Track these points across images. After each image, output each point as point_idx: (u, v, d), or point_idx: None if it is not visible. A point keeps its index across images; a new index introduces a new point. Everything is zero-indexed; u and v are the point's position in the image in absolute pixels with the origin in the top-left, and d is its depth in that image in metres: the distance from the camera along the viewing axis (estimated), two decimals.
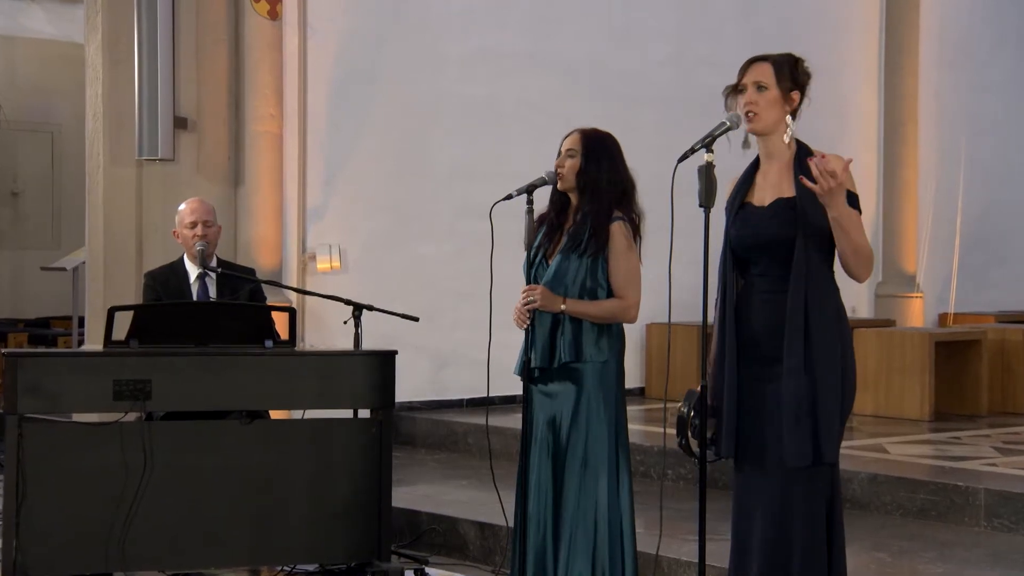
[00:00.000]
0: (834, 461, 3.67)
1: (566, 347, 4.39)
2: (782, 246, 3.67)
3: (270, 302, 6.35)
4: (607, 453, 4.40)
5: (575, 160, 4.45)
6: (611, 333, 4.45)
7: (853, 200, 3.67)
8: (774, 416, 3.69)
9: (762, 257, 3.73)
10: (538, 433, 4.45)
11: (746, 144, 3.84)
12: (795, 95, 3.76)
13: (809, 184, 3.53)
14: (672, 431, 3.84)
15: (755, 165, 3.86)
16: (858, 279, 3.72)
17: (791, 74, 3.75)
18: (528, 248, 4.45)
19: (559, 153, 4.51)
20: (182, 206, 5.98)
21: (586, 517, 4.36)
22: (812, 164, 3.51)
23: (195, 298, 5.84)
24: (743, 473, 3.80)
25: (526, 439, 4.46)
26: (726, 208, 3.86)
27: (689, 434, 3.77)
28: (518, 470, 4.50)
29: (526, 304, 4.38)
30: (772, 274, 3.72)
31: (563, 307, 4.36)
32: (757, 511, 3.74)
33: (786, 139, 3.77)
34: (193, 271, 5.89)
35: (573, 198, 4.51)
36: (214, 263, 5.90)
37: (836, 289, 3.73)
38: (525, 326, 4.42)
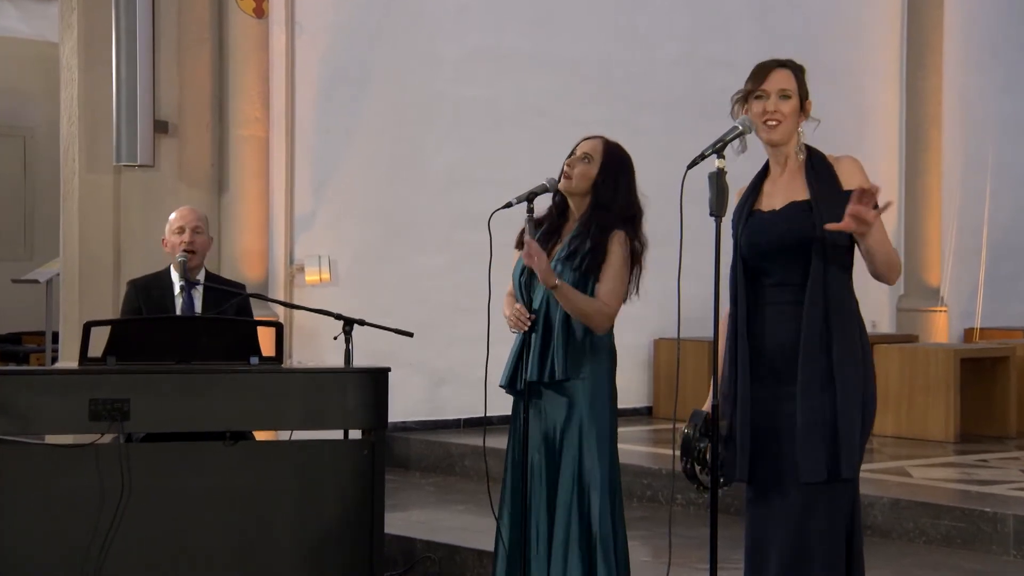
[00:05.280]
0: (852, 476, 3.68)
1: (559, 364, 4.41)
2: (798, 250, 3.69)
3: (256, 316, 6.36)
4: (600, 472, 4.40)
5: (589, 167, 4.48)
6: (601, 348, 4.46)
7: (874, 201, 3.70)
8: (792, 435, 3.69)
9: (777, 264, 3.74)
10: (531, 453, 4.48)
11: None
12: (808, 104, 3.84)
13: (837, 226, 3.56)
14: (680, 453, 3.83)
15: (763, 173, 3.90)
16: (888, 283, 3.78)
17: (804, 82, 3.85)
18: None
19: (571, 153, 4.53)
20: (173, 214, 6.03)
21: (581, 539, 4.37)
22: (849, 213, 3.51)
23: (179, 311, 5.85)
24: (757, 501, 3.80)
25: (515, 457, 4.49)
26: (733, 219, 3.88)
27: (695, 458, 3.76)
28: (503, 488, 4.54)
29: (527, 258, 4.30)
30: (789, 283, 3.73)
31: (557, 283, 4.32)
32: (774, 543, 3.74)
33: (796, 151, 3.82)
34: (178, 283, 5.91)
35: (574, 204, 4.53)
36: (201, 275, 5.92)
37: (856, 300, 3.76)
38: (525, 328, 4.43)
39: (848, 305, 3.73)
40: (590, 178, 4.47)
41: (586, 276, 4.41)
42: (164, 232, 6.04)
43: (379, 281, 8.66)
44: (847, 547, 3.73)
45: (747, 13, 10.36)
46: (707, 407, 3.79)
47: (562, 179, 4.50)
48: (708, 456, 3.73)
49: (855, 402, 3.66)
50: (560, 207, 4.58)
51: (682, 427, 3.81)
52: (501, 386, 4.55)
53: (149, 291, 5.92)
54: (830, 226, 3.59)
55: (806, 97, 3.82)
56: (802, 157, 3.82)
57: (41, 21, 11.67)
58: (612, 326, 4.47)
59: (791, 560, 3.70)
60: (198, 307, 5.89)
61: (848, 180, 3.71)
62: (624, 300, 4.52)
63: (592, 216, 4.46)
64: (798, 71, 3.84)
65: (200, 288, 5.89)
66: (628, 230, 4.45)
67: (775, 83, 3.80)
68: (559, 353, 4.41)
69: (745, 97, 3.82)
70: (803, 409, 3.66)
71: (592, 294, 4.41)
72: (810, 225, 3.68)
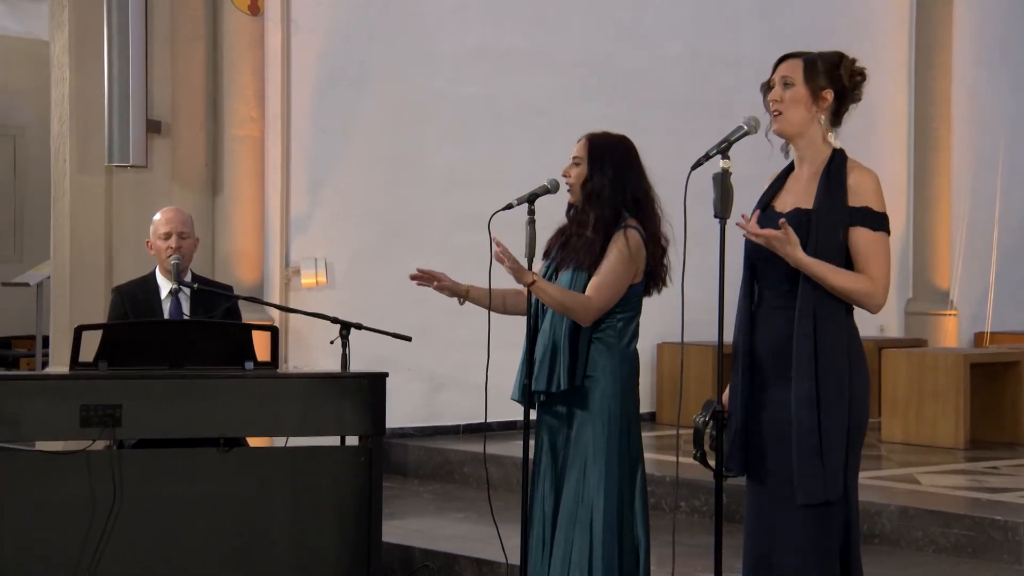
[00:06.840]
0: (836, 498, 3.67)
1: (563, 372, 4.39)
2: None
3: (250, 320, 6.36)
4: (606, 485, 4.38)
5: (580, 169, 4.48)
6: (615, 355, 4.45)
7: (880, 221, 3.68)
8: (769, 445, 3.72)
9: (770, 268, 3.74)
10: (541, 461, 4.47)
11: (785, 152, 3.87)
12: (827, 94, 3.77)
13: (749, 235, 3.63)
14: (685, 458, 3.85)
15: (792, 166, 3.88)
16: (870, 312, 3.73)
17: (826, 71, 3.78)
18: (529, 261, 4.46)
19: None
20: (157, 215, 6.01)
21: (581, 555, 4.35)
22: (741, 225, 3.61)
23: (167, 316, 5.84)
24: (750, 495, 3.84)
25: (533, 468, 4.48)
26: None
27: (706, 446, 3.79)
28: (526, 501, 4.53)
29: (499, 259, 4.28)
30: (780, 289, 3.73)
31: (533, 279, 4.31)
32: (761, 533, 3.77)
33: (830, 139, 3.78)
34: (165, 286, 5.90)
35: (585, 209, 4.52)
36: (189, 278, 5.91)
37: (848, 309, 3.73)
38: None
39: (838, 319, 3.69)
40: (582, 178, 4.47)
41: (589, 276, 4.38)
42: (148, 233, 6.02)
43: (377, 284, 8.65)
44: (843, 562, 3.73)
45: (751, 11, 10.35)
46: (725, 397, 3.85)
47: (568, 191, 4.51)
48: (720, 444, 3.79)
49: (840, 425, 3.64)
50: (575, 218, 4.58)
51: (694, 416, 3.86)
52: (514, 399, 4.53)
53: (135, 297, 5.91)
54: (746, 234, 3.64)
55: (823, 88, 3.76)
56: (824, 157, 3.77)
57: (32, 19, 11.67)
58: (593, 317, 4.40)
59: (786, 565, 3.71)
60: (186, 310, 5.88)
61: (855, 196, 3.69)
62: (656, 286, 4.51)
63: (592, 215, 4.43)
64: (813, 61, 3.79)
65: (187, 291, 5.87)
66: (638, 219, 4.42)
67: (780, 72, 3.80)
68: (565, 362, 4.39)
69: (767, 90, 3.83)
70: (797, 430, 3.65)
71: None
72: (804, 237, 3.66)
